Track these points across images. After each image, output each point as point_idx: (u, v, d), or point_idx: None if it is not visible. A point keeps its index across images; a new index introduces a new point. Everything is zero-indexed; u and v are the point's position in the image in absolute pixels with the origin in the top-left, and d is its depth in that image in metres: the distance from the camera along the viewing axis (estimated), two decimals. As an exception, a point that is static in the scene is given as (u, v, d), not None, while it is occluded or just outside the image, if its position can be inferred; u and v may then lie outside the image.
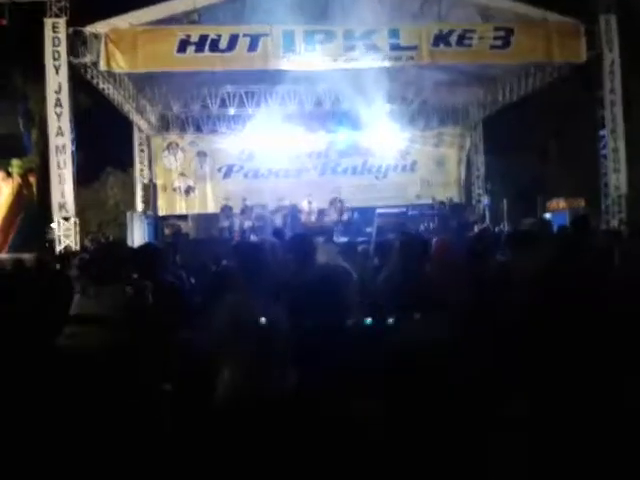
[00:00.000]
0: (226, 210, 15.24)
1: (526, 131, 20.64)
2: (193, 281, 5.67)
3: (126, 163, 19.63)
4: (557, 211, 14.42)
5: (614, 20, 13.07)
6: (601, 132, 13.65)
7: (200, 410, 2.94)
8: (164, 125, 17.42)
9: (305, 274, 3.28)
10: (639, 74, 17.23)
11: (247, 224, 14.67)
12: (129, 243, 12.93)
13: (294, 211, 14.81)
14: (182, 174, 17.46)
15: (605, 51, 13.08)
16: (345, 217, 15.20)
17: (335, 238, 13.31)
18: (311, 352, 2.80)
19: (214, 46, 11.50)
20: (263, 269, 3.04)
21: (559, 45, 12.38)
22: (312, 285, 3.09)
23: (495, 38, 12.17)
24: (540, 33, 12.33)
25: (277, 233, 6.71)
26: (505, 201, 15.74)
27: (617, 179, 13.46)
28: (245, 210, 15.04)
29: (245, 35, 11.58)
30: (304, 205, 15.15)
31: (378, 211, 14.90)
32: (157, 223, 14.72)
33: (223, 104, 16.65)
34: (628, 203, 13.54)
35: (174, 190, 17.45)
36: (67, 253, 10.19)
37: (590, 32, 12.86)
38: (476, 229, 15.07)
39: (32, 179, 17.60)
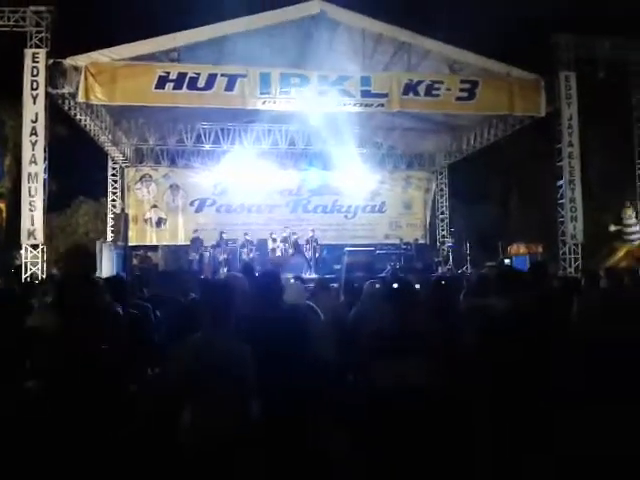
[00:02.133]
0: (196, 242, 15.37)
1: (489, 178, 21.48)
2: (159, 314, 5.71)
3: (98, 193, 19.68)
4: (517, 255, 14.97)
5: (573, 77, 13.84)
6: (559, 182, 14.30)
7: (162, 450, 2.86)
8: (139, 157, 17.59)
9: (272, 312, 3.32)
10: (595, 127, 18.23)
11: (222, 257, 14.82)
12: (98, 273, 12.96)
13: (262, 246, 15.08)
14: (154, 206, 17.57)
15: (564, 106, 13.81)
16: (317, 255, 15.46)
17: (304, 274, 13.55)
18: (275, 388, 2.81)
19: (192, 84, 11.83)
20: (230, 307, 3.03)
21: (521, 99, 13.07)
22: (279, 323, 3.18)
23: (461, 90, 12.80)
24: (503, 87, 13.01)
25: (246, 269, 6.79)
26: (468, 244, 16.29)
27: (574, 228, 14.02)
28: (220, 243, 15.19)
29: (223, 75, 11.95)
30: (269, 242, 15.39)
31: (347, 249, 15.24)
32: (126, 253, 14.73)
33: (198, 139, 16.97)
34: (584, 251, 14.14)
35: (145, 221, 17.51)
36: (32, 282, 10.15)
37: (550, 87, 13.59)
38: (439, 270, 15.54)
39: (1, 205, 17.49)
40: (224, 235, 15.34)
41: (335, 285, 6.94)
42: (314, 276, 13.45)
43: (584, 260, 14.09)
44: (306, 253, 15.36)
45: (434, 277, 11.03)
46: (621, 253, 14.94)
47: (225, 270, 14.43)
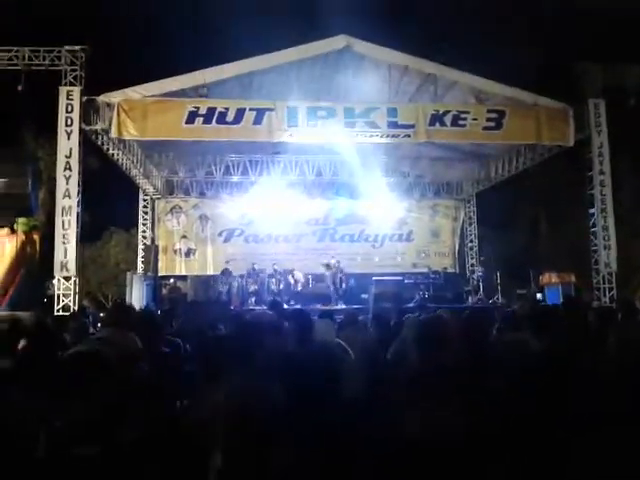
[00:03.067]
0: (226, 273, 15.51)
1: (517, 205, 21.24)
2: (189, 347, 5.77)
3: (129, 223, 20.08)
4: (550, 285, 14.69)
5: (602, 104, 13.73)
6: (591, 210, 14.08)
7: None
8: (169, 189, 17.95)
9: (302, 352, 3.30)
10: (626, 154, 17.99)
11: (252, 287, 14.89)
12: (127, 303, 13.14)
13: (287, 278, 15.10)
14: (184, 236, 17.84)
15: (594, 134, 13.67)
16: (344, 285, 15.37)
17: (332, 305, 13.54)
18: (305, 434, 2.68)
19: (221, 118, 12.08)
20: (261, 345, 3.01)
21: (548, 128, 12.97)
22: (310, 361, 3.17)
23: (488, 120, 12.78)
24: (530, 116, 12.95)
25: (274, 305, 6.76)
26: (498, 273, 16.07)
27: (607, 256, 13.74)
28: (250, 274, 15.28)
29: (251, 109, 12.17)
30: (297, 274, 15.38)
31: (375, 279, 15.17)
32: (156, 284, 14.94)
33: (227, 171, 17.26)
34: (618, 280, 13.82)
35: (175, 252, 17.77)
36: (65, 316, 10.31)
37: (579, 115, 13.49)
38: (470, 300, 15.33)
39: (36, 236, 17.95)
40: (255, 266, 15.44)
41: (363, 317, 6.90)
42: (342, 307, 13.41)
43: (618, 289, 13.77)
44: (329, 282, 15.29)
45: (466, 310, 10.89)
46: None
47: (253, 300, 14.51)
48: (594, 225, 13.98)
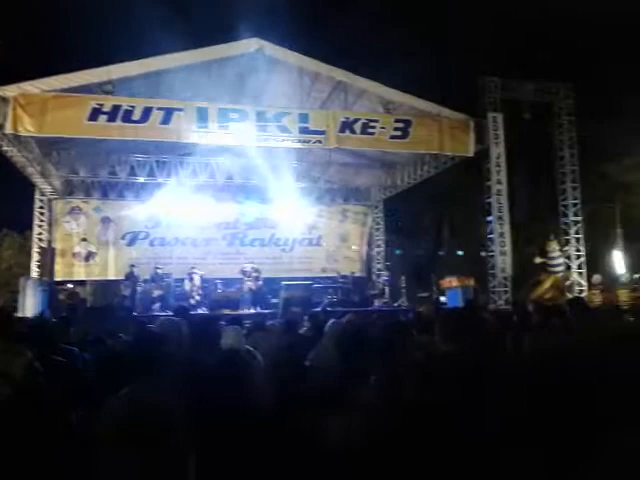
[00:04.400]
0: (131, 277, 14.88)
1: (422, 213, 22.11)
2: (87, 356, 5.45)
3: (24, 225, 18.87)
4: (450, 288, 15.34)
5: (500, 117, 14.54)
6: (488, 218, 14.87)
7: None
8: (68, 189, 17.01)
9: (209, 359, 3.22)
10: (522, 165, 19.21)
11: (156, 292, 14.33)
12: (20, 310, 12.33)
13: (192, 282, 14.69)
14: (83, 239, 16.96)
15: (492, 145, 14.45)
16: (255, 287, 15.10)
17: (242, 310, 13.38)
18: (213, 447, 2.67)
19: (127, 117, 11.61)
20: (165, 355, 2.92)
21: (450, 138, 13.58)
22: (214, 371, 3.10)
23: (395, 129, 13.19)
24: (434, 126, 13.49)
25: (179, 311, 6.49)
26: (403, 277, 16.61)
27: (503, 261, 14.57)
28: (155, 278, 14.73)
29: (159, 109, 11.81)
30: (197, 278, 14.80)
31: (284, 283, 15.18)
32: (52, 290, 14.07)
33: (132, 172, 16.62)
34: (513, 284, 14.69)
35: (73, 256, 16.85)
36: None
37: (479, 127, 14.22)
38: (375, 303, 15.71)
39: None
40: (159, 270, 14.93)
41: (272, 322, 6.86)
42: (252, 311, 13.30)
43: (513, 292, 14.62)
44: (246, 285, 15.03)
45: (374, 314, 11.14)
46: (547, 285, 15.63)
47: (158, 306, 14.03)
48: (491, 232, 14.77)
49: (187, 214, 17.02)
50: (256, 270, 15.10)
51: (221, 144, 13.18)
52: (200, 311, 13.14)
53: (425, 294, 16.33)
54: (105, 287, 15.67)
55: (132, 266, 15.13)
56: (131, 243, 17.29)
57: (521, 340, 4.59)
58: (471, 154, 14.04)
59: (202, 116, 12.03)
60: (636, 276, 16.20)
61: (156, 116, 11.78)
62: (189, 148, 14.93)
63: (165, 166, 16.68)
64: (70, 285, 16.13)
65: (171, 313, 8.29)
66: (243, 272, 15.12)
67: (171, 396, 2.80)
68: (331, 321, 4.50)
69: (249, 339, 4.87)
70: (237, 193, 18.03)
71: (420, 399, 3.09)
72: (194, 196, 16.85)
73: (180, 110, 11.93)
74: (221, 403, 2.89)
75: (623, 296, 14.93)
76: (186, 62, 12.06)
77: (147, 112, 11.74)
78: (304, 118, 12.67)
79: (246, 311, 13.35)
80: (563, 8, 19.75)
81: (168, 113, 11.87)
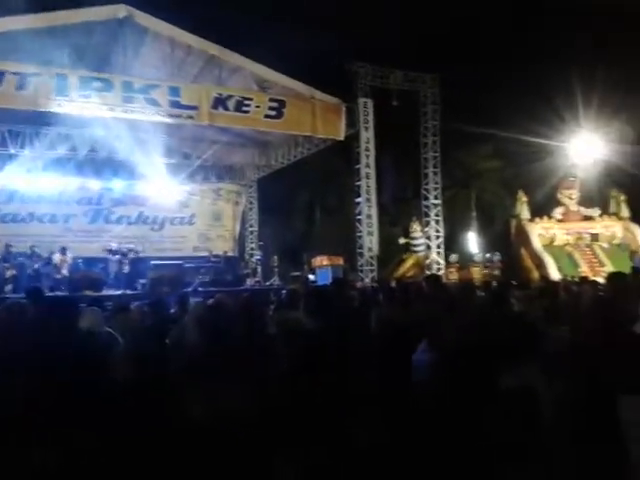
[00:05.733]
0: (-23, 257, 13.52)
1: (295, 193, 22.40)
2: None
3: None
4: (321, 267, 15.79)
5: (370, 104, 15.08)
6: (357, 199, 15.45)
7: None
8: None
9: (66, 343, 3.05)
10: (390, 150, 20.09)
11: (9, 273, 13.09)
12: None
13: (51, 261, 13.69)
14: None
15: (362, 130, 14.97)
16: (122, 267, 14.39)
17: (106, 291, 12.77)
18: (69, 435, 2.62)
19: (-25, 80, 10.52)
20: (11, 342, 2.79)
21: (323, 121, 13.85)
22: (66, 355, 2.97)
23: (270, 108, 13.18)
24: (307, 109, 13.67)
25: (32, 293, 5.92)
26: (275, 257, 16.79)
27: (370, 241, 15.25)
28: (6, 257, 13.46)
29: (14, 73, 10.81)
30: (56, 257, 13.75)
31: (153, 263, 14.70)
32: None
33: (-19, 141, 15.05)
34: (379, 263, 15.44)
35: None
36: None
37: (350, 112, 14.64)
38: (248, 282, 15.75)
39: None
40: (12, 248, 13.73)
41: (139, 304, 6.64)
42: (116, 293, 12.72)
43: (379, 270, 15.38)
44: (113, 266, 14.29)
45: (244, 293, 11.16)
46: (409, 263, 16.66)
47: (11, 287, 12.92)
48: (360, 213, 15.37)
49: (44, 189, 15.84)
50: (124, 249, 14.43)
51: (83, 114, 12.29)
52: (59, 293, 12.32)
53: (297, 273, 16.61)
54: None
55: (-20, 244, 13.77)
56: (-21, 219, 15.74)
57: (382, 315, 4.90)
58: (342, 137, 14.43)
59: (62, 84, 11.21)
60: (488, 255, 17.75)
61: (10, 81, 10.82)
62: (47, 118, 13.79)
63: (19, 136, 15.29)
64: None
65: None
66: (108, 251, 14.40)
67: (12, 382, 2.66)
68: (194, 300, 4.50)
69: (112, 321, 4.69)
70: (102, 168, 16.98)
71: (279, 371, 3.22)
72: (52, 169, 15.68)
73: (38, 76, 11.02)
74: (69, 384, 2.78)
75: (476, 273, 16.36)
76: (43, 24, 11.09)
77: (0, 76, 10.69)
78: (175, 92, 12.25)
79: (111, 292, 12.74)
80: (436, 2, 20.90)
81: (24, 78, 10.94)
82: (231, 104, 12.78)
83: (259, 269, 16.60)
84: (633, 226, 15.79)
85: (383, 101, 15.65)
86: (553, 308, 4.30)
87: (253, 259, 17.39)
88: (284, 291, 9.08)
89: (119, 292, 12.73)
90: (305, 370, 3.29)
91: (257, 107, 13.06)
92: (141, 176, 16.42)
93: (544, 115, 18.04)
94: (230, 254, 17.94)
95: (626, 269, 9.84)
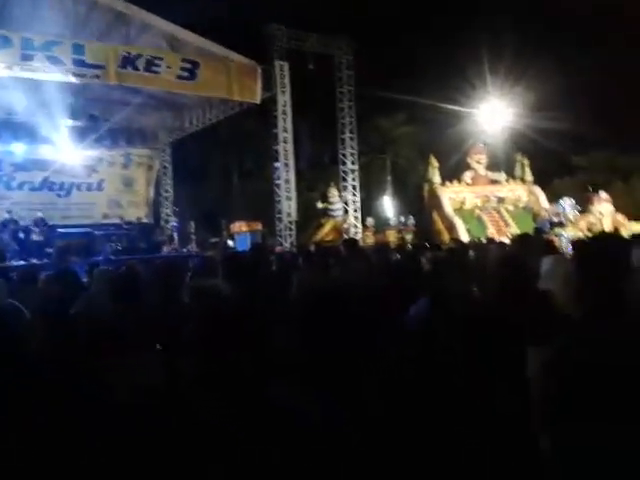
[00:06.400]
0: None
1: (212, 157, 21.92)
2: None
3: None
4: (239, 233, 15.69)
5: (287, 66, 14.89)
6: (276, 164, 15.36)
7: None
8: None
9: None
10: (307, 114, 20.01)
11: None
12: None
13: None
14: None
15: (279, 93, 14.78)
16: (23, 237, 13.62)
17: (10, 262, 12.06)
18: None
19: None
20: None
21: (238, 84, 13.51)
22: None
23: (182, 69, 12.67)
24: (222, 71, 13.26)
25: None
26: (192, 223, 16.47)
27: (289, 206, 15.26)
28: None
29: None
30: None
31: (60, 231, 14.01)
32: None
33: None
34: (297, 227, 15.52)
35: None
36: None
37: (266, 75, 14.36)
38: (164, 249, 15.38)
39: None
40: None
41: (46, 274, 6.38)
42: (20, 263, 12.05)
43: (297, 235, 15.49)
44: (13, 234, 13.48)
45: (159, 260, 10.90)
46: (327, 228, 16.88)
47: None
48: (278, 178, 15.30)
49: None
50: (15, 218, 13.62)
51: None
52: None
53: (215, 239, 16.42)
54: None
55: None
56: None
57: (302, 279, 4.96)
58: (258, 101, 14.18)
59: (-50, 38, 10.23)
60: (402, 219, 18.29)
61: None
62: None
63: None
64: None
65: None
66: (8, 220, 13.56)
67: None
68: (98, 268, 4.37)
69: (17, 293, 4.47)
70: (0, 130, 15.82)
71: (194, 339, 3.20)
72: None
73: None
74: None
75: (391, 237, 16.86)
76: None
77: None
78: (79, 49, 11.50)
79: (15, 263, 12.04)
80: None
81: None
82: (140, 64, 12.18)
83: (175, 236, 16.20)
84: (536, 189, 16.75)
85: (300, 65, 15.52)
86: (462, 268, 4.50)
87: (169, 226, 16.97)
88: (201, 257, 8.99)
89: (24, 262, 12.06)
90: (222, 337, 3.28)
91: (169, 67, 12.53)
92: (44, 139, 15.40)
93: (456, 83, 18.61)
94: (144, 221, 17.40)
95: (530, 230, 10.49)
